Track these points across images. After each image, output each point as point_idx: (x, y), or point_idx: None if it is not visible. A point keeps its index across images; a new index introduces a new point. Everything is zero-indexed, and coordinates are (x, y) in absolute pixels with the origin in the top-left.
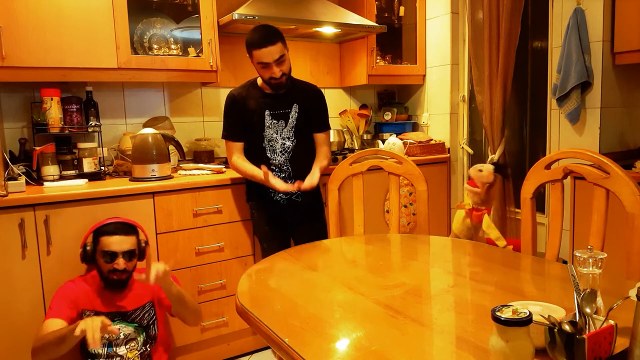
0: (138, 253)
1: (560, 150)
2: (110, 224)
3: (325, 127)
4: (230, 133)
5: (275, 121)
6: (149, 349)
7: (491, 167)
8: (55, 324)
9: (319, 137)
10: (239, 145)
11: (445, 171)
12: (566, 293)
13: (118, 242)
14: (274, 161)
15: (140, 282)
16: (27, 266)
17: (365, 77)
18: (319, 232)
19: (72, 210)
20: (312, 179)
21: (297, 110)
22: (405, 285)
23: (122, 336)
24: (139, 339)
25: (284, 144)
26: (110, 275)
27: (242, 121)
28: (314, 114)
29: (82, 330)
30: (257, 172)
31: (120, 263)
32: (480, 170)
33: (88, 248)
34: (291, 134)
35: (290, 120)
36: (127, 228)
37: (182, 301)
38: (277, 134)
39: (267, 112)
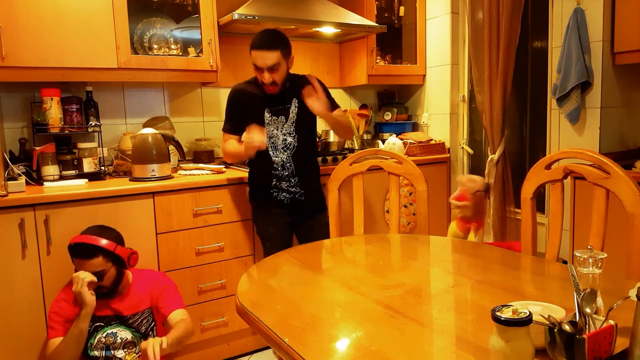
0: (110, 268)
1: (561, 150)
2: (76, 246)
3: (334, 106)
4: (228, 126)
5: (275, 117)
6: None
7: (480, 177)
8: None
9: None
10: (234, 139)
11: (445, 171)
12: (566, 293)
13: (84, 266)
14: (276, 158)
15: (138, 292)
16: (27, 266)
17: (365, 77)
18: (321, 231)
19: (72, 210)
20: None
21: (297, 105)
22: (405, 285)
23: (119, 340)
24: (137, 342)
25: (285, 140)
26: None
27: (242, 116)
28: None
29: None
30: (239, 148)
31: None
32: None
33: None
34: (292, 130)
35: (290, 115)
36: (88, 251)
37: (180, 345)
38: (277, 130)
39: (266, 110)
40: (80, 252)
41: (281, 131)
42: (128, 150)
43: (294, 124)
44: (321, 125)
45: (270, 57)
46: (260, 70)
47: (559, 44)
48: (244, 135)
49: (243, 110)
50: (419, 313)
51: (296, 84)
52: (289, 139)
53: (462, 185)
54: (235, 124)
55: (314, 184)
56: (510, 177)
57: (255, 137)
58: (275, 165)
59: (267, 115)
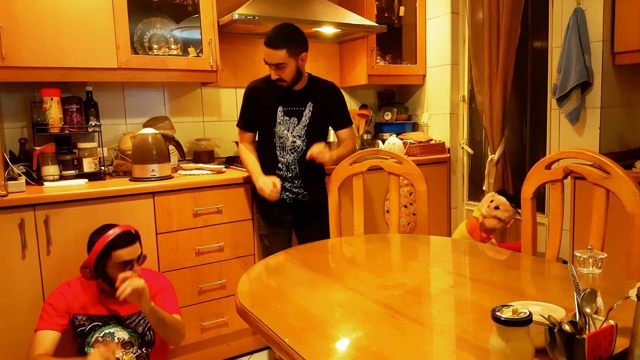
0: (144, 257)
1: (561, 151)
2: (119, 237)
3: (347, 123)
4: (242, 122)
5: (287, 118)
6: (145, 352)
7: (505, 199)
8: (49, 337)
9: (342, 134)
10: (248, 136)
11: (445, 171)
12: (566, 293)
13: (130, 252)
14: (283, 159)
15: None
16: (27, 266)
17: (365, 77)
18: (323, 232)
19: (72, 210)
20: (322, 152)
21: (311, 110)
22: (405, 285)
23: (116, 340)
24: (134, 342)
25: (294, 142)
26: None
27: (254, 113)
28: (332, 110)
29: None
30: (253, 170)
31: (138, 269)
32: (497, 208)
33: (97, 266)
34: (302, 133)
35: (303, 118)
36: (132, 236)
37: (161, 325)
38: (288, 131)
39: (280, 108)
40: (128, 239)
41: (291, 133)
42: (128, 150)
43: (305, 128)
44: None
45: (275, 56)
46: (268, 65)
47: (559, 44)
48: (263, 182)
49: (257, 106)
50: (419, 313)
51: (315, 88)
52: (298, 142)
53: (504, 206)
54: (249, 120)
55: (318, 187)
56: (510, 177)
57: (267, 189)
58: (280, 166)
59: (279, 114)
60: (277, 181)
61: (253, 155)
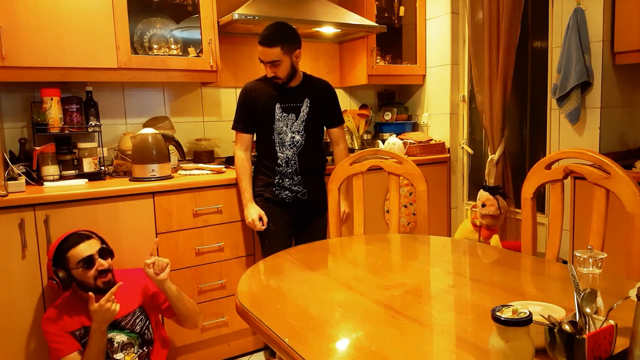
0: (109, 251)
1: (561, 151)
2: (67, 238)
3: (340, 121)
4: (238, 124)
5: (285, 114)
6: (146, 351)
7: (487, 194)
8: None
9: (335, 132)
10: (247, 138)
11: (445, 171)
12: (566, 293)
13: (86, 247)
14: (282, 154)
15: (126, 293)
16: (27, 266)
17: (365, 77)
18: (322, 231)
19: (72, 210)
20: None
21: (308, 105)
22: (405, 285)
23: (115, 344)
24: (134, 343)
25: (293, 137)
26: (98, 280)
27: (252, 113)
28: (326, 108)
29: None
30: (244, 192)
31: (103, 262)
32: (484, 205)
33: (61, 275)
34: (301, 128)
35: (301, 114)
36: (85, 235)
37: (180, 299)
38: (287, 127)
39: (277, 105)
40: (79, 237)
41: (290, 128)
42: (128, 150)
43: (303, 123)
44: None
45: (270, 53)
46: (263, 63)
47: (559, 44)
48: (250, 213)
49: (255, 105)
50: (419, 313)
51: (311, 85)
52: (297, 137)
53: (489, 201)
54: (245, 121)
55: (317, 185)
56: (510, 177)
57: (251, 217)
58: (279, 162)
59: (277, 111)
60: (264, 216)
61: (248, 171)
